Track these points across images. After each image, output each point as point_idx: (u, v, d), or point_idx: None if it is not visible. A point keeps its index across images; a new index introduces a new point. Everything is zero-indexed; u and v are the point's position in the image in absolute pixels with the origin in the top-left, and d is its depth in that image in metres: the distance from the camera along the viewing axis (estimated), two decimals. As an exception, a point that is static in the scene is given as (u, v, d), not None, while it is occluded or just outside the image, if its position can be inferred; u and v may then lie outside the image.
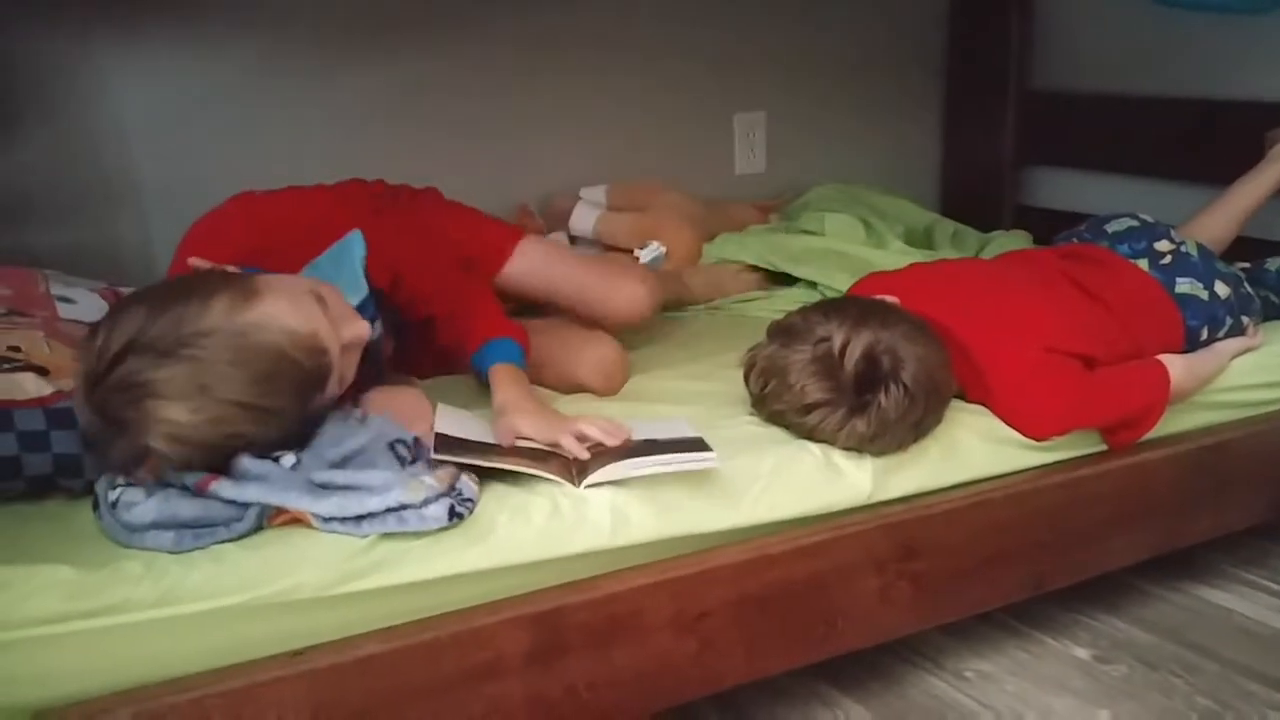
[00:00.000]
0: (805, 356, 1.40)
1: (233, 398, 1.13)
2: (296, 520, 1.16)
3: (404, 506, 1.15)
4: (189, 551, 1.11)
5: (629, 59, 2.46)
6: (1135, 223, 1.84)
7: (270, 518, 1.16)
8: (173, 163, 2.04)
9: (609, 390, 1.64)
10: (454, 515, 1.17)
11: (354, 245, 1.41)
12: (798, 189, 2.63)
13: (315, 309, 1.21)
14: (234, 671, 1.09)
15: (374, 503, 1.14)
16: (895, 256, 2.21)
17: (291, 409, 1.19)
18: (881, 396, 1.37)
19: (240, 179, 2.08)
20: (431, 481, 1.18)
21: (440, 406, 1.37)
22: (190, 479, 1.15)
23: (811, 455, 1.39)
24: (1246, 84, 2.30)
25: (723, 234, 2.36)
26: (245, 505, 1.14)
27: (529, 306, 1.82)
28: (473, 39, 2.28)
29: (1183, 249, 1.77)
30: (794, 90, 2.69)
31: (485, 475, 1.25)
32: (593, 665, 1.23)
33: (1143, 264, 1.74)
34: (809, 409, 1.39)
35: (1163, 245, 1.77)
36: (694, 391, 1.62)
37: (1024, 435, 1.50)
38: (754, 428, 1.46)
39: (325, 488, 1.16)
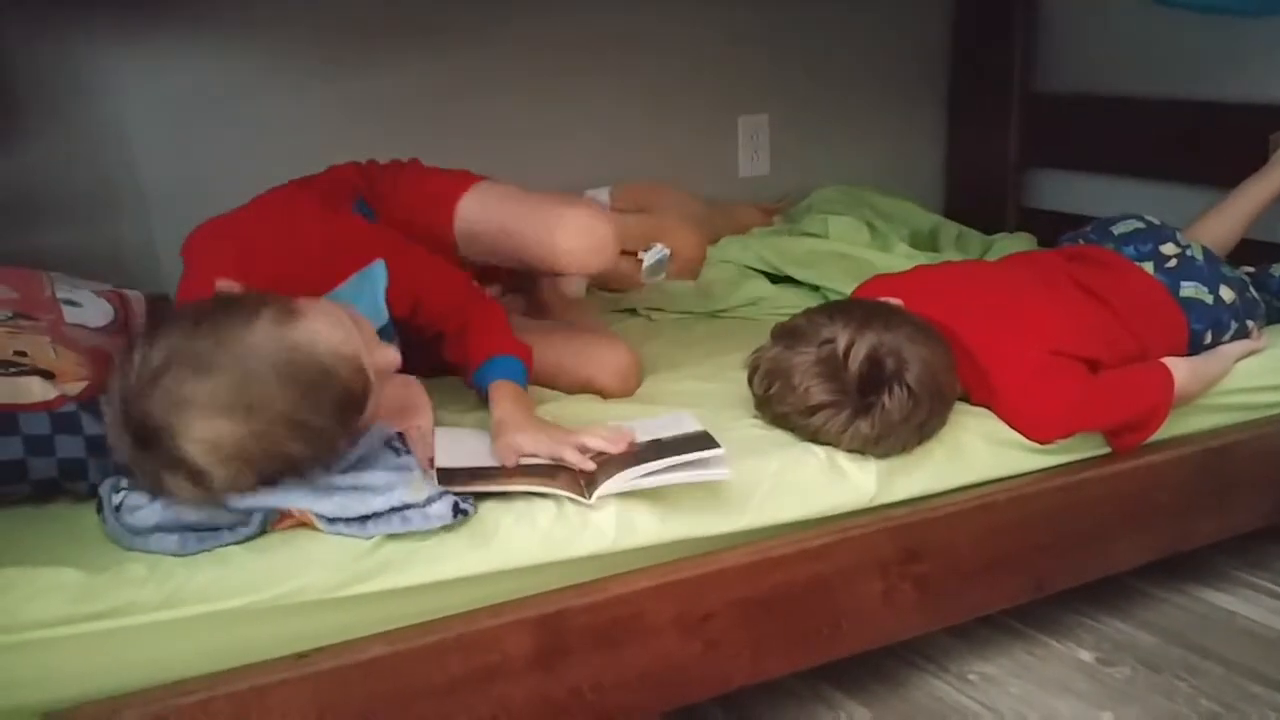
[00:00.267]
0: (809, 358, 1.40)
1: (278, 411, 1.10)
2: (301, 523, 1.16)
3: (407, 506, 1.15)
4: (194, 554, 1.12)
5: (633, 62, 2.47)
6: (1141, 225, 1.84)
7: (275, 522, 1.16)
8: (176, 164, 2.05)
9: (625, 393, 1.64)
10: (458, 512, 1.17)
11: (377, 275, 1.40)
12: (801, 191, 2.64)
13: (355, 332, 1.20)
14: (239, 674, 1.09)
15: (377, 502, 1.14)
16: (899, 259, 2.22)
17: (333, 429, 1.16)
18: (885, 398, 1.37)
19: (244, 181, 2.08)
20: (433, 480, 1.18)
21: (437, 431, 1.36)
22: None
23: (815, 458, 1.39)
24: (1250, 86, 2.30)
25: (726, 237, 2.36)
26: (250, 510, 1.14)
27: (535, 310, 1.82)
28: (477, 43, 2.28)
29: (1188, 252, 1.77)
30: (798, 93, 2.69)
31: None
32: (598, 667, 1.24)
33: (1148, 266, 1.75)
34: (813, 411, 1.39)
35: (1168, 248, 1.77)
36: (698, 393, 1.62)
37: (1028, 438, 1.50)
38: (758, 430, 1.46)
39: (328, 489, 1.16)
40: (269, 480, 1.14)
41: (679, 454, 1.24)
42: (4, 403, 1.25)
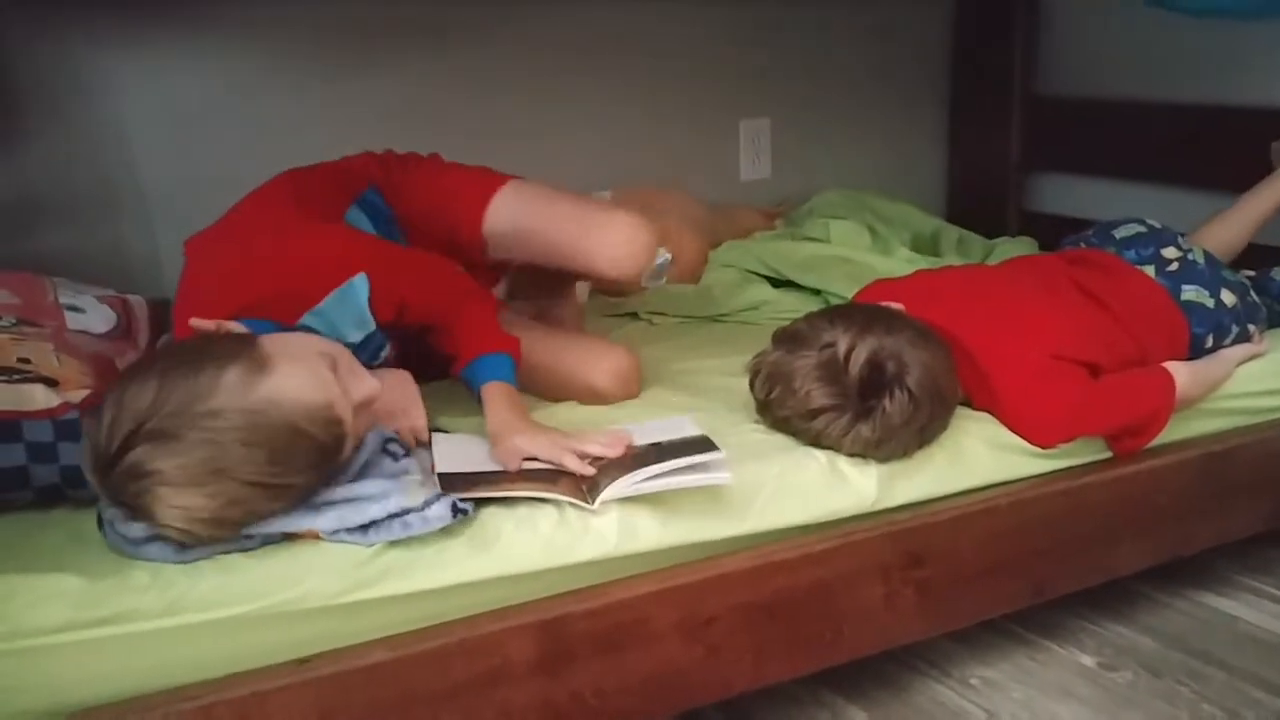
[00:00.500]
0: (810, 362, 1.40)
1: (249, 479, 1.09)
2: (304, 536, 1.16)
3: (406, 511, 1.15)
4: (195, 562, 1.12)
5: (635, 65, 2.47)
6: (1143, 228, 1.83)
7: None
8: (177, 166, 2.05)
9: (625, 396, 1.63)
10: (457, 512, 1.17)
11: (358, 288, 1.39)
12: (803, 195, 2.64)
13: (328, 375, 1.18)
14: (240, 679, 1.09)
15: (374, 510, 1.14)
16: (900, 263, 2.22)
17: (308, 481, 1.16)
18: (886, 402, 1.37)
19: (245, 182, 2.09)
20: (421, 479, 1.19)
21: (435, 438, 1.36)
22: None
23: (816, 462, 1.39)
24: (1252, 89, 2.30)
25: (728, 241, 2.37)
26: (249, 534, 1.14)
27: (543, 321, 1.82)
28: (478, 44, 2.29)
29: (1189, 256, 1.77)
30: (799, 97, 2.69)
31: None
32: (600, 672, 1.24)
33: (1149, 270, 1.75)
34: (814, 414, 1.39)
35: (1170, 252, 1.77)
36: (699, 397, 1.62)
37: (1029, 442, 1.50)
38: (759, 435, 1.46)
39: (325, 503, 1.16)
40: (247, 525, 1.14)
41: (679, 457, 1.24)
42: (7, 410, 1.25)
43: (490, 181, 1.68)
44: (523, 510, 1.22)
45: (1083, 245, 1.87)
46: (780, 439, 1.44)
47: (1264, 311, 1.80)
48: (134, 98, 2.00)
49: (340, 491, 1.17)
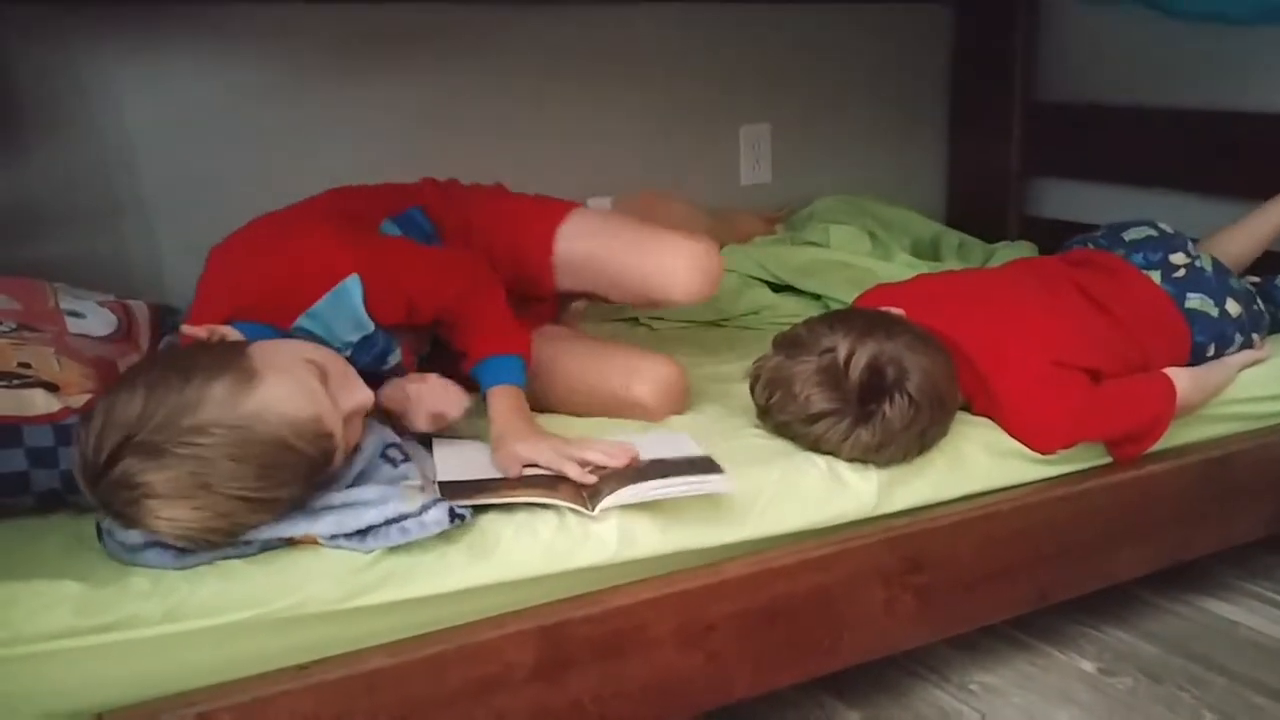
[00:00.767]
0: (810, 367, 1.40)
1: (236, 493, 1.09)
2: (304, 541, 1.16)
3: (403, 516, 1.15)
4: (194, 568, 1.12)
5: (635, 71, 2.47)
6: (1154, 232, 1.82)
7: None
8: (180, 174, 2.05)
9: (672, 411, 1.57)
10: (455, 517, 1.17)
11: (350, 290, 1.38)
12: (803, 200, 2.64)
13: (316, 386, 1.18)
14: (240, 685, 1.09)
15: (372, 515, 1.14)
16: (900, 268, 2.22)
17: (296, 494, 1.15)
18: (886, 406, 1.37)
19: (247, 190, 2.09)
20: (419, 484, 1.19)
21: (436, 444, 1.36)
22: None
23: (816, 468, 1.39)
24: (1252, 95, 2.30)
25: (728, 246, 2.36)
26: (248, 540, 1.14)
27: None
28: (479, 52, 2.29)
29: (1197, 263, 1.76)
30: (799, 102, 2.69)
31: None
32: (599, 679, 1.24)
33: (1155, 275, 1.73)
34: (814, 419, 1.40)
35: (1178, 258, 1.76)
36: (699, 402, 1.62)
37: (1029, 448, 1.50)
38: (759, 440, 1.46)
39: (323, 508, 1.16)
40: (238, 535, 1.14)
41: (683, 475, 1.24)
42: (8, 415, 1.25)
43: (558, 208, 1.68)
44: (522, 516, 1.22)
45: (1090, 246, 1.86)
46: (780, 444, 1.45)
47: (1268, 319, 1.80)
48: (136, 104, 1.99)
49: (338, 497, 1.18)
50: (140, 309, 1.64)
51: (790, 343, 1.46)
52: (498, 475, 1.31)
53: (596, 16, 2.39)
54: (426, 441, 1.41)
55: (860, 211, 2.52)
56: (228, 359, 1.15)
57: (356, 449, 1.27)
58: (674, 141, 2.56)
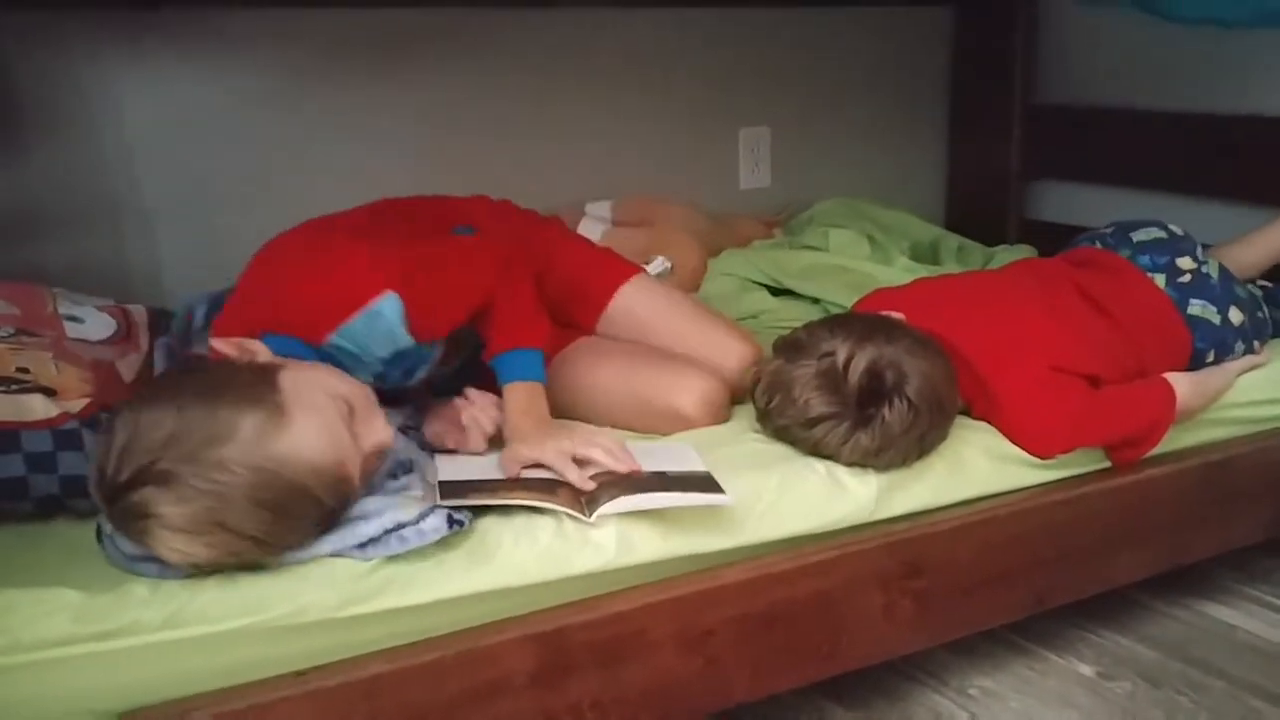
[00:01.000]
0: (810, 371, 1.40)
1: (250, 534, 1.08)
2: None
3: (401, 525, 1.15)
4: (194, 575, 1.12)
5: (634, 74, 2.47)
6: (1163, 234, 1.81)
7: None
8: (180, 178, 2.05)
9: (714, 423, 1.56)
10: (453, 524, 1.17)
11: (387, 309, 1.35)
12: (802, 204, 2.64)
13: (342, 430, 1.17)
14: (239, 692, 1.09)
15: (370, 529, 1.14)
16: (899, 272, 2.22)
17: (308, 537, 1.15)
18: (885, 410, 1.37)
19: (247, 194, 2.10)
20: (420, 494, 1.19)
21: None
22: None
23: (815, 472, 1.39)
24: (1251, 98, 2.30)
25: (727, 250, 2.37)
26: None
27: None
28: (478, 57, 2.29)
29: (1203, 269, 1.74)
30: (798, 105, 2.69)
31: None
32: (598, 684, 1.24)
33: (1159, 279, 1.73)
34: (813, 423, 1.40)
35: (1185, 262, 1.75)
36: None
37: (1028, 453, 1.50)
38: (758, 445, 1.46)
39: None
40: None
41: (684, 491, 1.24)
42: (6, 420, 1.26)
43: (628, 264, 1.78)
44: (521, 522, 1.22)
45: (1098, 244, 1.85)
46: (779, 449, 1.45)
47: (1271, 327, 1.80)
48: (135, 108, 2.00)
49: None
50: (139, 312, 1.64)
51: (790, 347, 1.46)
52: (497, 476, 1.31)
53: (596, 20, 2.40)
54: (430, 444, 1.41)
55: (859, 215, 2.51)
56: (259, 391, 1.13)
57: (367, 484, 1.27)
58: (673, 144, 2.56)
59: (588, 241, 1.90)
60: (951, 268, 2.34)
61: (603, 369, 1.60)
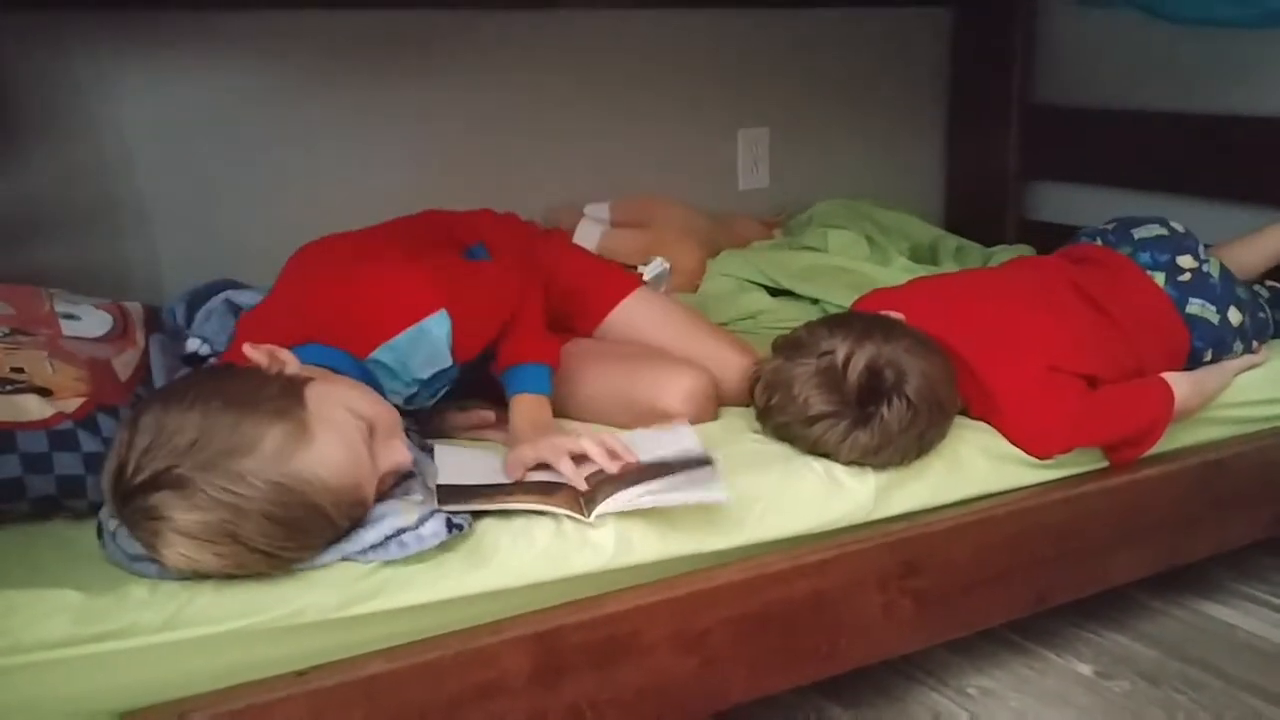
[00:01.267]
0: (809, 369, 1.41)
1: (261, 548, 1.08)
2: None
3: (401, 531, 1.15)
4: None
5: (633, 74, 2.47)
6: (1164, 231, 1.80)
7: None
8: (179, 180, 2.05)
9: (699, 421, 1.54)
10: (452, 528, 1.16)
11: (435, 327, 1.36)
12: (801, 204, 2.64)
13: (362, 451, 1.17)
14: (237, 692, 1.09)
15: (370, 536, 1.14)
16: (898, 272, 2.22)
17: (314, 556, 1.14)
18: (884, 409, 1.37)
19: (246, 196, 2.11)
20: (421, 498, 1.19)
21: (438, 448, 1.36)
22: None
23: (814, 472, 1.39)
24: (1249, 99, 2.30)
25: (726, 250, 2.37)
26: None
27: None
28: (478, 57, 2.29)
29: (1204, 268, 1.74)
30: (797, 106, 2.69)
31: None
32: (595, 684, 1.23)
33: (1160, 277, 1.73)
34: (812, 421, 1.40)
35: (1185, 261, 1.74)
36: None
37: (1026, 453, 1.50)
38: (756, 445, 1.46)
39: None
40: None
41: (679, 474, 1.24)
42: (1, 421, 1.25)
43: (630, 277, 1.81)
44: (520, 523, 1.22)
45: (1099, 241, 1.85)
46: (777, 448, 1.45)
47: (1272, 328, 1.80)
48: (134, 109, 2.00)
49: None
50: (135, 310, 1.64)
51: (790, 345, 1.46)
52: (496, 481, 1.31)
53: (595, 20, 2.40)
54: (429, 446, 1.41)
55: (858, 215, 2.51)
56: (285, 406, 1.12)
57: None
58: (672, 145, 2.56)
59: (589, 254, 1.93)
60: (950, 268, 2.34)
61: (591, 370, 1.60)
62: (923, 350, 1.43)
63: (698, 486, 1.24)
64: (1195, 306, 1.70)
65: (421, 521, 1.16)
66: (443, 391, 1.50)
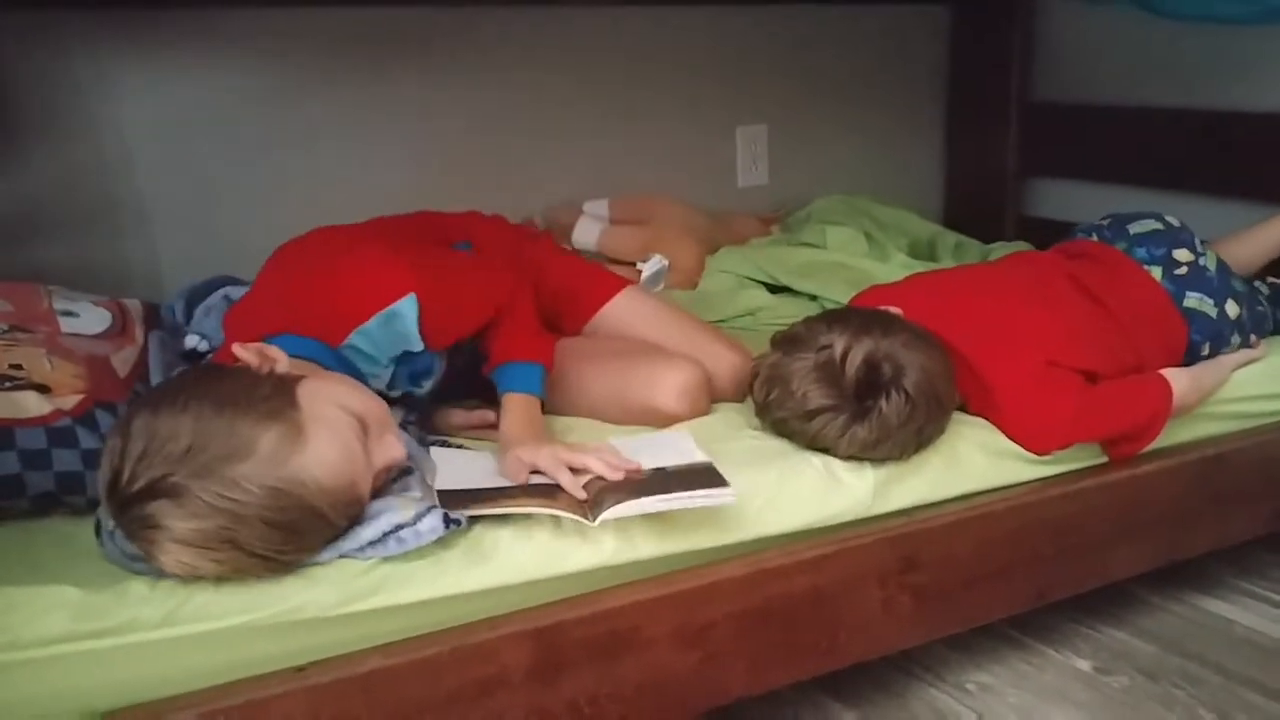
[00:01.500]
0: (808, 364, 1.41)
1: (259, 552, 1.08)
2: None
3: (399, 527, 1.15)
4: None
5: (632, 72, 2.47)
6: (1160, 225, 1.80)
7: None
8: (179, 179, 2.06)
9: (695, 415, 1.55)
10: (450, 523, 1.16)
11: (405, 311, 1.36)
12: (800, 201, 2.64)
13: (357, 448, 1.16)
14: (236, 687, 1.10)
15: (368, 533, 1.14)
16: (897, 269, 2.22)
17: (312, 557, 1.14)
18: (883, 403, 1.37)
19: (246, 195, 2.11)
20: (419, 494, 1.19)
21: (435, 451, 1.36)
22: None
23: (812, 467, 1.39)
24: (1248, 95, 2.30)
25: (725, 247, 2.37)
26: None
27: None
28: (476, 55, 2.29)
29: (1200, 261, 1.74)
30: (796, 103, 2.70)
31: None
32: (595, 679, 1.24)
33: (1156, 271, 1.73)
34: (811, 415, 1.40)
35: (1182, 254, 1.74)
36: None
37: (1025, 449, 1.50)
38: (754, 441, 1.46)
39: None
40: None
41: (686, 489, 1.22)
42: (0, 418, 1.26)
43: (618, 277, 1.81)
44: (519, 521, 1.22)
45: (1094, 236, 1.84)
46: (775, 444, 1.45)
47: (1270, 322, 1.80)
48: (134, 108, 2.00)
49: None
50: (134, 306, 1.64)
51: (788, 340, 1.46)
52: (496, 484, 1.29)
53: (594, 18, 2.40)
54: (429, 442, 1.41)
55: (857, 212, 2.52)
56: (278, 407, 1.12)
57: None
58: (671, 143, 2.56)
59: (578, 256, 1.94)
60: (948, 265, 2.34)
61: (582, 367, 1.60)
62: (921, 345, 1.43)
63: (703, 490, 1.23)
64: (1192, 300, 1.70)
65: (419, 518, 1.16)
66: (429, 385, 1.50)
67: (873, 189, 2.73)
